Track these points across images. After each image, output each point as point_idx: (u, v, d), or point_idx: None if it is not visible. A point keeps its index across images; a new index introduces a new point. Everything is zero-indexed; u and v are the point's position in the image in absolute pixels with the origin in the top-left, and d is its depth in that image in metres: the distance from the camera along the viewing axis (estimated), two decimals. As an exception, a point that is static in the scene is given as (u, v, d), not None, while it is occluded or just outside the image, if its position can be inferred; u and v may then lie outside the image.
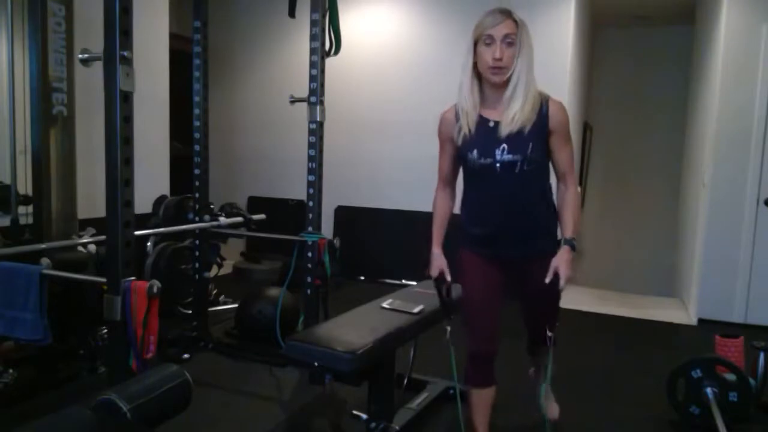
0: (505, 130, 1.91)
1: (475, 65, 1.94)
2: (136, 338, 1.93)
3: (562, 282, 1.90)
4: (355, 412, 2.46)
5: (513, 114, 1.89)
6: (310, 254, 3.04)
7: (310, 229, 3.05)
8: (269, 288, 3.67)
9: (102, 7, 1.86)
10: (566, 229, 1.96)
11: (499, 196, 1.99)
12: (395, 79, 5.39)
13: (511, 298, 2.16)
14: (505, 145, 1.92)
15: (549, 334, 2.08)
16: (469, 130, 1.96)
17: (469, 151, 1.97)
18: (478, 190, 2.05)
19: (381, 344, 2.11)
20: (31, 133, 2.83)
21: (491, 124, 1.95)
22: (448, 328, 2.08)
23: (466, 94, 1.96)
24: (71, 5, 2.86)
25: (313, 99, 2.98)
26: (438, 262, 2.08)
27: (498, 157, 1.93)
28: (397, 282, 5.05)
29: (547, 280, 1.91)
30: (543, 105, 1.93)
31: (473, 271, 2.08)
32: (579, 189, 2.02)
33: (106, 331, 2.87)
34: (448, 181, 2.16)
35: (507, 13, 1.89)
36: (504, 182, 1.95)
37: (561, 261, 1.91)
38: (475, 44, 1.92)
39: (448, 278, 2.07)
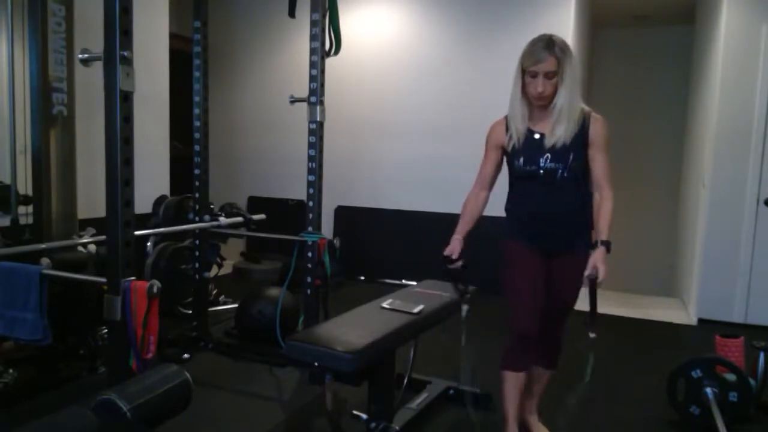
0: (549, 143, 2.12)
1: (523, 87, 2.12)
2: (136, 338, 1.93)
3: (600, 276, 2.04)
4: (355, 412, 2.46)
5: (558, 135, 2.10)
6: (310, 254, 3.04)
7: (310, 229, 3.05)
8: (269, 288, 3.66)
9: (102, 7, 1.86)
10: (602, 232, 2.11)
11: (541, 199, 2.17)
12: (395, 79, 5.40)
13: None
14: (548, 155, 2.12)
15: (590, 328, 2.13)
16: (518, 141, 2.17)
17: (516, 159, 2.18)
18: (523, 193, 2.23)
19: (381, 344, 2.11)
20: (31, 133, 2.83)
21: (537, 136, 2.15)
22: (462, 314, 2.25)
23: (516, 110, 2.16)
24: (71, 5, 2.86)
25: (313, 99, 2.98)
26: (454, 244, 2.19)
27: (541, 165, 2.13)
28: (397, 282, 5.05)
29: (586, 273, 2.05)
30: (585, 119, 2.13)
31: (520, 259, 2.23)
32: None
33: (106, 331, 2.87)
34: (485, 185, 2.31)
35: (549, 48, 2.03)
36: (546, 187, 2.14)
37: (598, 258, 2.06)
38: (523, 71, 2.09)
39: (455, 259, 2.15)
